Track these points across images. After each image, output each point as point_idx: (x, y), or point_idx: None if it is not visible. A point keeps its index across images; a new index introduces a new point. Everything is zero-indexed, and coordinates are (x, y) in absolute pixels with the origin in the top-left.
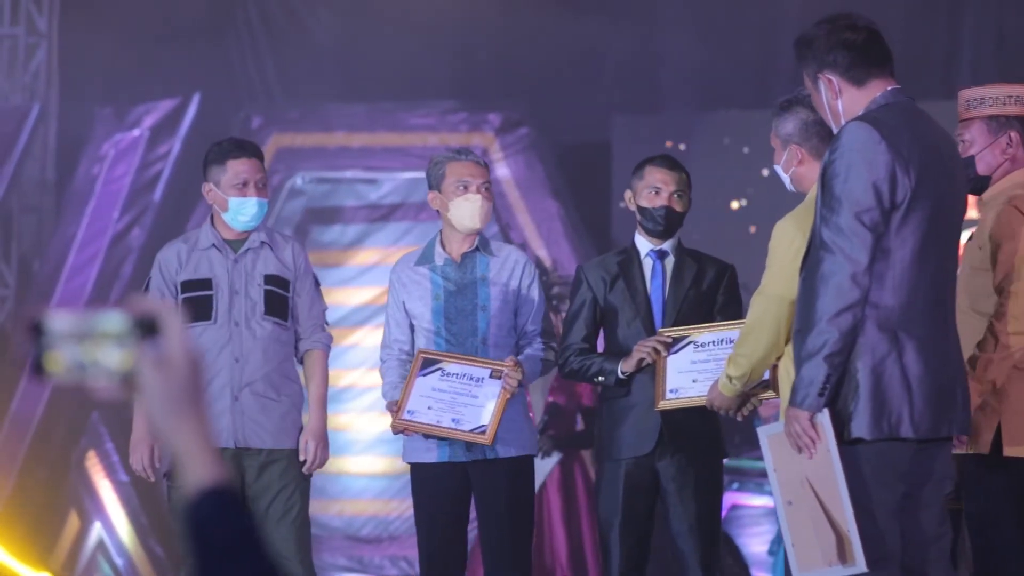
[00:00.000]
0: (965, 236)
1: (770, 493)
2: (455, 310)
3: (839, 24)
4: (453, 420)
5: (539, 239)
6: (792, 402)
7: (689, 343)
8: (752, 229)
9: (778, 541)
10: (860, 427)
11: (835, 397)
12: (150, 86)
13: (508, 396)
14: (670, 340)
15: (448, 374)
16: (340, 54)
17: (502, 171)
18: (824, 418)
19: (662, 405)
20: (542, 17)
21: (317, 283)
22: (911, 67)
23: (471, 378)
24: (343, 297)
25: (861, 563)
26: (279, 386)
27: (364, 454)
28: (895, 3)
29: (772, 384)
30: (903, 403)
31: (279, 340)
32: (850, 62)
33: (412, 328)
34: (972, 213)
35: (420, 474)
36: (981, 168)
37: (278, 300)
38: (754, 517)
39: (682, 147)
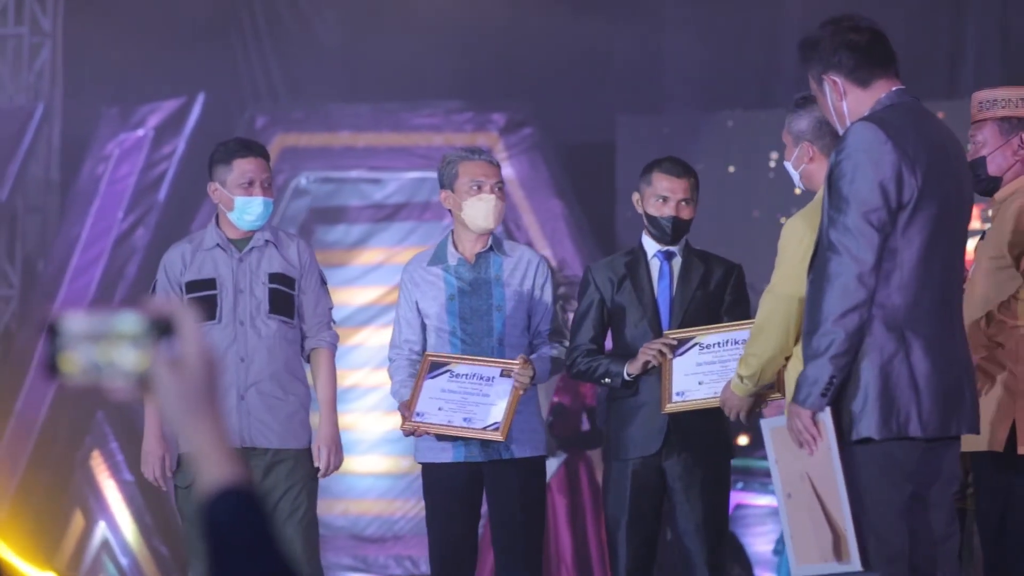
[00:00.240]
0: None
1: (774, 493)
2: (470, 310)
3: (843, 25)
4: (465, 419)
5: (543, 239)
6: (795, 399)
7: (695, 345)
8: (755, 213)
9: (783, 540)
10: (869, 427)
11: (843, 397)
12: (155, 86)
13: (520, 394)
14: (675, 342)
15: (457, 375)
16: (345, 54)
17: (506, 171)
18: (826, 416)
19: (669, 408)
20: (547, 17)
21: (324, 281)
22: (914, 67)
23: (481, 378)
24: (347, 297)
25: (856, 562)
26: (286, 385)
27: (369, 454)
28: (898, 3)
29: (778, 386)
30: (911, 402)
31: (285, 339)
32: (855, 63)
33: (424, 328)
34: (974, 224)
35: (433, 474)
36: (992, 169)
37: (283, 298)
38: (759, 517)
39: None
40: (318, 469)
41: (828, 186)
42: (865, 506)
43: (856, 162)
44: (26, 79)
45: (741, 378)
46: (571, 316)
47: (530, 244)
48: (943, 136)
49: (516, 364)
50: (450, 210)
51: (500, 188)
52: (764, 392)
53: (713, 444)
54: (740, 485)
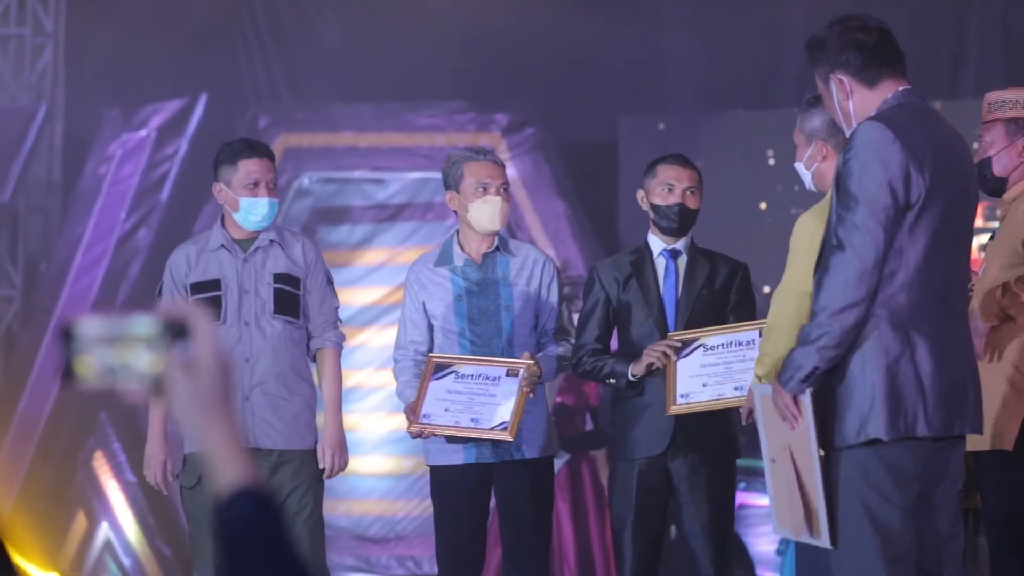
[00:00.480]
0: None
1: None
2: (478, 311)
3: (850, 25)
4: (472, 420)
5: (546, 239)
6: (778, 378)
7: (699, 346)
8: (763, 205)
9: (786, 541)
10: (877, 428)
11: (849, 399)
12: (157, 86)
13: (527, 392)
14: (679, 344)
15: (462, 376)
16: (347, 54)
17: (509, 171)
18: (806, 398)
19: (673, 410)
20: (549, 18)
21: (330, 280)
22: (916, 67)
23: (487, 378)
24: (350, 297)
25: (826, 539)
26: (291, 386)
27: (371, 454)
28: (900, 3)
29: None
30: (918, 402)
31: (291, 339)
32: (862, 63)
33: (431, 329)
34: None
35: (442, 475)
36: (997, 169)
37: (288, 298)
38: (762, 517)
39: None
40: (323, 470)
41: (836, 185)
42: (872, 507)
43: (864, 161)
44: (28, 80)
45: (759, 379)
46: (576, 315)
47: (533, 244)
48: (949, 136)
49: (523, 363)
50: (455, 211)
51: (505, 189)
52: None
53: (719, 445)
54: (743, 485)
